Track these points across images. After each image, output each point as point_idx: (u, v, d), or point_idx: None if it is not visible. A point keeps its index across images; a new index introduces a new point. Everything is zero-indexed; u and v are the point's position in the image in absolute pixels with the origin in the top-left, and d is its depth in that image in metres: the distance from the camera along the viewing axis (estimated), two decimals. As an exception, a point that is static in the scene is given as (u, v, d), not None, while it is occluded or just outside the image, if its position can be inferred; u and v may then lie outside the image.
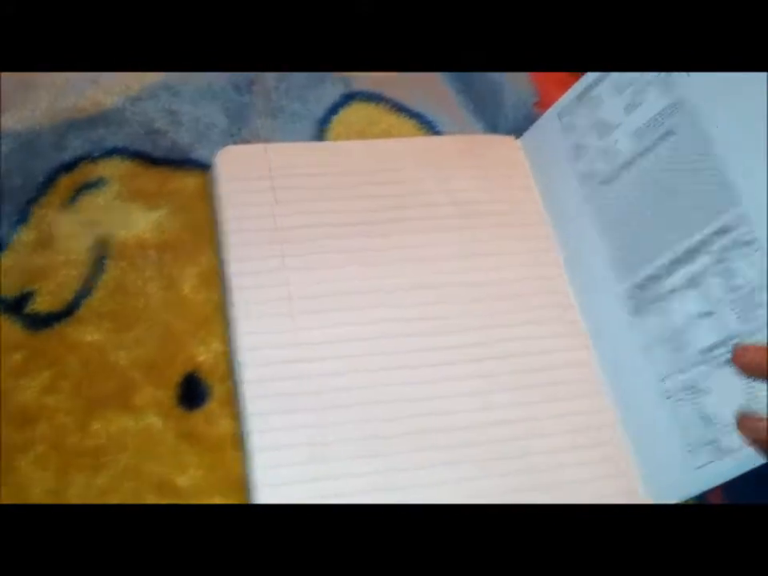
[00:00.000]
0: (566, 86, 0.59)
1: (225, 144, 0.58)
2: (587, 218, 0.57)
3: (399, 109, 0.62)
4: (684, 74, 0.53)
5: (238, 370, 0.52)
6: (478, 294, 0.56)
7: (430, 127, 0.62)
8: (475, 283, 0.57)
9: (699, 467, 0.49)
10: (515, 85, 0.63)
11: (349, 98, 0.62)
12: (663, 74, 0.54)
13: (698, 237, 0.51)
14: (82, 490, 0.48)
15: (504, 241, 0.58)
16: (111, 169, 0.57)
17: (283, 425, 0.50)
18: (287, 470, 0.49)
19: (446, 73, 0.64)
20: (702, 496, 0.51)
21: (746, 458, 0.47)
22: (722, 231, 0.50)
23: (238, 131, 0.59)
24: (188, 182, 0.58)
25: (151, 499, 0.48)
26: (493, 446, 0.52)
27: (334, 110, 0.61)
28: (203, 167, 0.58)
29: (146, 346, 0.53)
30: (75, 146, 0.57)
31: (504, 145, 0.62)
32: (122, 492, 0.48)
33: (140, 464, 0.49)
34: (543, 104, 0.62)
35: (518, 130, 0.62)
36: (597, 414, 0.54)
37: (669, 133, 0.53)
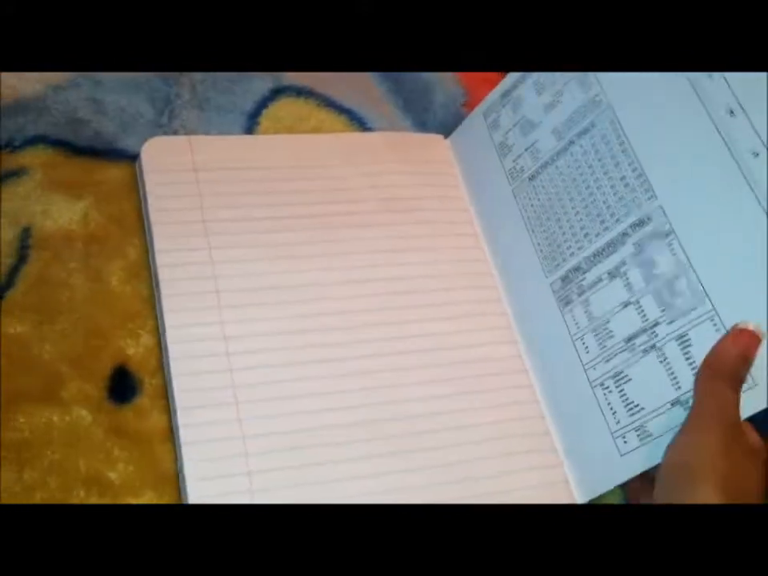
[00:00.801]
0: (492, 86, 0.61)
1: (151, 135, 0.57)
2: (515, 213, 0.59)
3: (329, 104, 0.62)
4: (600, 73, 0.55)
5: (167, 363, 0.51)
6: (405, 288, 0.57)
7: (360, 124, 0.62)
8: (402, 278, 0.57)
9: (626, 453, 0.51)
10: (444, 84, 0.64)
11: (277, 92, 0.61)
12: (580, 74, 0.56)
13: (617, 229, 0.53)
14: (8, 485, 0.47)
15: (431, 237, 0.59)
16: (33, 158, 0.56)
17: (213, 418, 0.50)
18: (218, 463, 0.49)
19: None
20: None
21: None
22: (640, 223, 0.52)
23: (167, 122, 0.59)
24: (113, 172, 0.57)
25: (81, 494, 0.47)
26: (418, 439, 0.53)
27: (263, 104, 0.61)
28: (129, 158, 0.57)
29: (73, 338, 0.51)
30: (-5, 135, 0.55)
31: (433, 143, 0.63)
32: (50, 487, 0.47)
33: (69, 458, 0.48)
34: (471, 104, 0.63)
35: (446, 129, 0.63)
36: (525, 405, 0.55)
37: (587, 129, 0.55)
